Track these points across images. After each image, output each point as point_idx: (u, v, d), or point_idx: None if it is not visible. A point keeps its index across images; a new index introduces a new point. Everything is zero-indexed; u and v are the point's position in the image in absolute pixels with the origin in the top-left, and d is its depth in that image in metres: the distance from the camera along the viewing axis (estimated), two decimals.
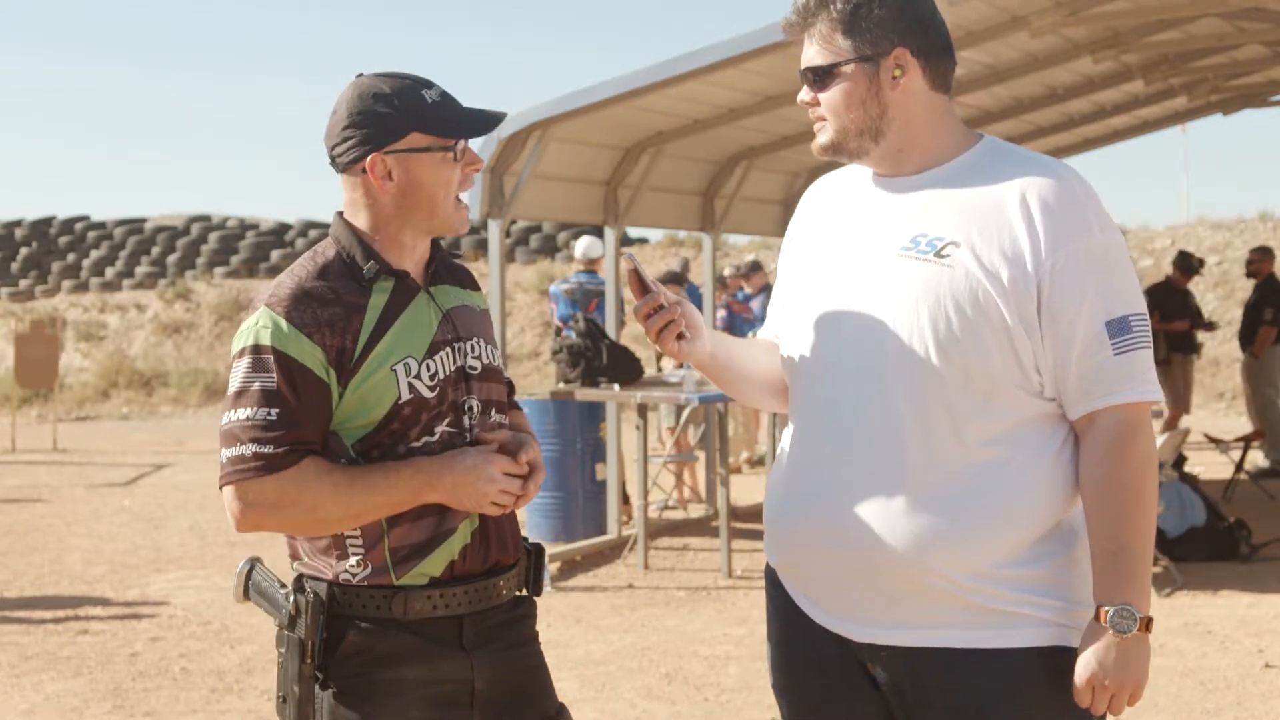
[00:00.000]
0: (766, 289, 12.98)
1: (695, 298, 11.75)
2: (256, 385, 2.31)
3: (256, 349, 2.33)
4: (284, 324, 2.32)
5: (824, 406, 2.38)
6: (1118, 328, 2.25)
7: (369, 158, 2.37)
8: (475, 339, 2.50)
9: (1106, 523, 2.26)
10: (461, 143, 2.42)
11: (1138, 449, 2.27)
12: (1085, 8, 8.35)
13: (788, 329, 2.50)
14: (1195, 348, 11.85)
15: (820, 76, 2.37)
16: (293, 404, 2.30)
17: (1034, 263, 2.24)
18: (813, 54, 2.38)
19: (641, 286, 2.43)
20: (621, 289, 9.69)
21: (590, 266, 10.78)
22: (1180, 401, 11.81)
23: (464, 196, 2.49)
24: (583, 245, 10.94)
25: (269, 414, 2.30)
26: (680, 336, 2.45)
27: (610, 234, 9.61)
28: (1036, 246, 2.24)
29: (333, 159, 2.43)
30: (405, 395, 2.36)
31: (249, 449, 2.30)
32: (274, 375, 2.31)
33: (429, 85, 2.42)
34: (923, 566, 2.27)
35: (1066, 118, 11.88)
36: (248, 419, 2.30)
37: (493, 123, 2.44)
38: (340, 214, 2.47)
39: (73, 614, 7.27)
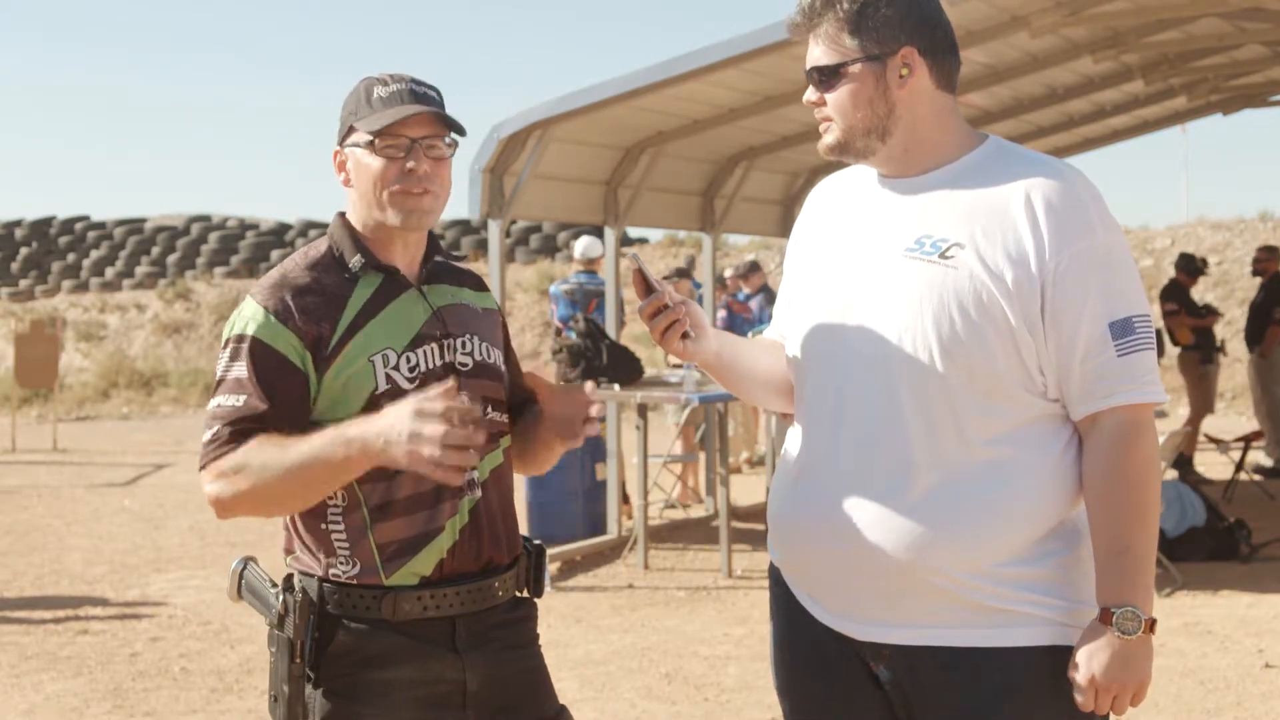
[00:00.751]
0: (765, 289, 12.98)
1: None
2: (231, 374, 2.36)
3: (237, 339, 2.37)
4: (262, 312, 2.36)
5: (828, 406, 2.38)
6: (1121, 329, 2.25)
7: (334, 150, 2.47)
8: (468, 336, 2.48)
9: (1109, 524, 2.26)
10: (394, 140, 2.38)
11: (1140, 450, 2.27)
12: (1085, 8, 8.35)
13: (793, 329, 2.50)
14: (1221, 347, 11.81)
15: (826, 76, 2.37)
16: (262, 390, 2.33)
17: (1038, 264, 2.24)
18: (819, 54, 2.37)
19: (646, 286, 2.43)
20: (622, 289, 9.70)
21: (589, 266, 10.77)
22: (1208, 404, 11.70)
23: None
24: (581, 245, 10.93)
25: (236, 400, 2.34)
26: (685, 336, 2.45)
27: (610, 234, 9.62)
28: (1040, 248, 2.24)
29: None
30: (382, 386, 2.36)
31: (210, 432, 2.34)
32: (247, 363, 2.34)
33: (396, 83, 2.42)
34: (925, 565, 2.27)
35: (1066, 118, 11.88)
36: (218, 405, 2.35)
37: (419, 118, 2.38)
38: (341, 213, 2.50)
39: (73, 614, 7.27)
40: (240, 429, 2.31)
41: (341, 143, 2.46)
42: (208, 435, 2.35)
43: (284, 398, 2.33)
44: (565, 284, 10.83)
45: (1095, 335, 2.25)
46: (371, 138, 2.39)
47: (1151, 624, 2.23)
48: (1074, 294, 2.24)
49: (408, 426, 2.16)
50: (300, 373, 2.35)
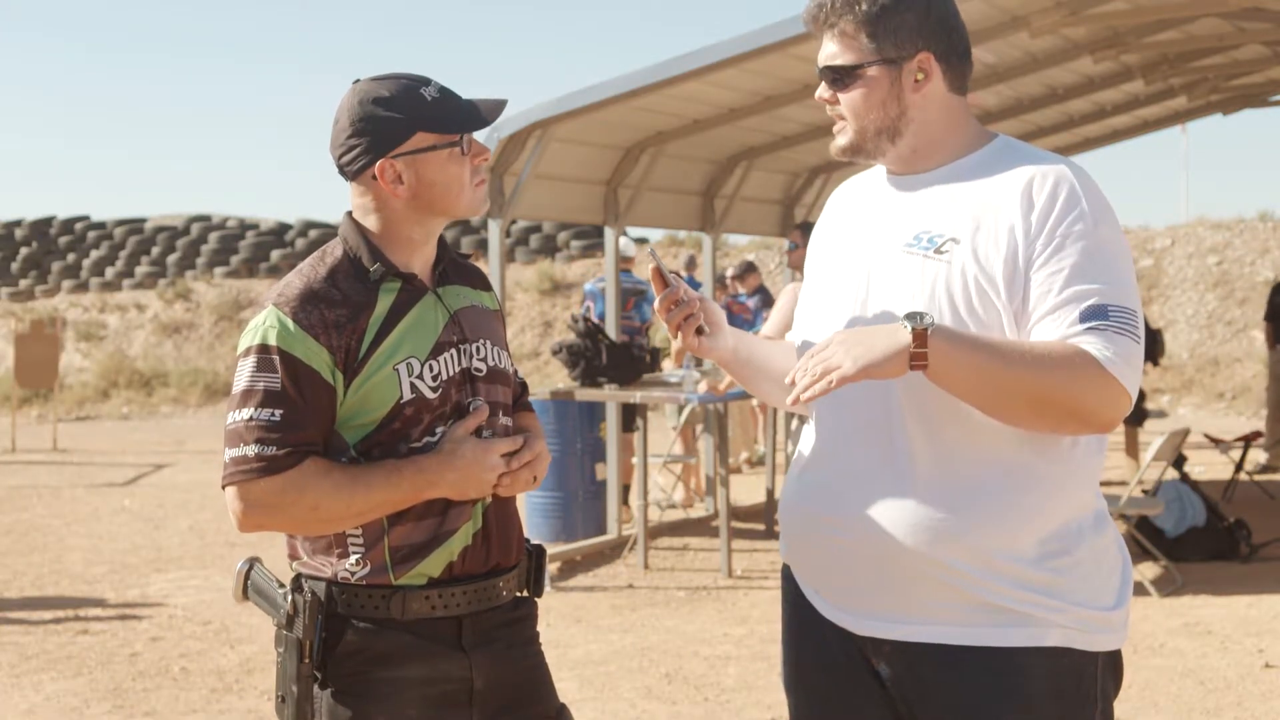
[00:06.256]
0: (761, 290, 13.01)
1: None
2: (261, 385, 2.31)
3: (263, 349, 2.33)
4: (291, 324, 2.32)
5: (832, 401, 2.37)
6: (1092, 313, 2.17)
7: (377, 164, 2.37)
8: (482, 341, 2.49)
9: (1021, 346, 2.16)
10: (467, 136, 2.42)
11: (1096, 378, 2.14)
12: (1085, 8, 8.35)
13: (803, 325, 2.53)
14: None
15: (841, 76, 2.36)
16: (297, 405, 2.31)
17: (1025, 253, 2.22)
18: (834, 52, 2.36)
19: (662, 281, 2.45)
20: (623, 286, 9.72)
21: (624, 266, 10.74)
22: None
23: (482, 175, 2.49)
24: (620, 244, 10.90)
25: (272, 415, 2.30)
26: (700, 331, 2.46)
27: (610, 234, 9.62)
28: (1029, 236, 2.22)
29: (340, 168, 2.42)
30: (407, 395, 2.36)
31: (251, 449, 2.30)
32: (279, 376, 2.31)
33: (426, 83, 2.41)
34: (926, 558, 2.27)
35: (1067, 117, 11.89)
36: (251, 419, 2.31)
37: (494, 111, 2.43)
38: (350, 214, 2.47)
39: (73, 614, 7.27)
40: (284, 447, 2.29)
41: (392, 152, 2.36)
42: (238, 452, 2.30)
43: (317, 412, 2.33)
44: (601, 282, 10.81)
45: (1063, 312, 2.17)
46: (457, 141, 2.38)
47: (924, 336, 2.12)
48: (1050, 271, 2.19)
49: (481, 475, 2.37)
50: (330, 386, 2.33)
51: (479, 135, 2.54)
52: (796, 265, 7.93)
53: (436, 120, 2.38)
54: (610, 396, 8.29)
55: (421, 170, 2.38)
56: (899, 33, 2.32)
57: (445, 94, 2.41)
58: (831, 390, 2.16)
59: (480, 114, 2.42)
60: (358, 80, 2.43)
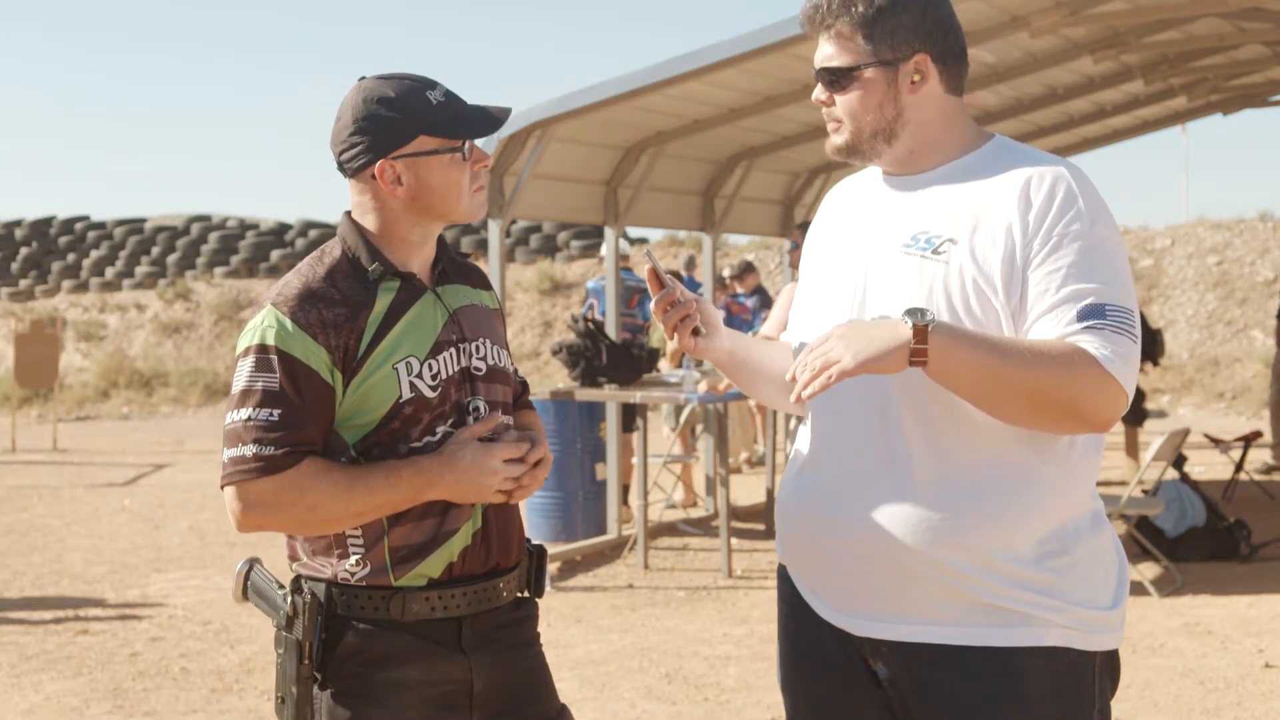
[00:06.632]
0: (759, 290, 13.00)
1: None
2: (260, 385, 2.31)
3: (261, 348, 2.33)
4: (289, 324, 2.32)
5: (830, 402, 2.38)
6: (1089, 312, 2.17)
7: (377, 164, 2.37)
8: (481, 340, 2.49)
9: (1020, 343, 2.17)
10: (469, 142, 2.42)
11: (1095, 377, 2.14)
12: (1085, 8, 8.35)
13: (800, 325, 2.53)
14: None
15: (838, 78, 2.36)
16: (295, 405, 2.31)
17: (1023, 253, 2.22)
18: (831, 53, 2.37)
19: (658, 282, 2.45)
20: (627, 285, 9.73)
21: (625, 264, 10.74)
22: None
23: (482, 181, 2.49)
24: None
25: (271, 414, 2.30)
26: (696, 332, 2.46)
27: (610, 234, 9.63)
28: (1026, 236, 2.22)
29: (341, 165, 2.42)
30: (406, 394, 2.36)
31: (250, 449, 2.30)
32: (277, 375, 2.31)
33: (432, 86, 2.41)
34: (924, 559, 2.27)
35: (1067, 118, 11.89)
36: (249, 419, 2.31)
37: (499, 119, 2.43)
38: (348, 214, 2.47)
39: (73, 614, 7.27)
40: (282, 447, 2.29)
41: (393, 153, 2.37)
42: (236, 452, 2.31)
43: (315, 412, 2.33)
44: (605, 280, 10.82)
45: (1062, 311, 2.18)
46: (459, 147, 2.38)
47: (924, 334, 2.13)
48: (1048, 270, 2.19)
49: (480, 479, 2.36)
50: (329, 386, 2.33)
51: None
52: (797, 265, 7.93)
53: (440, 124, 2.38)
54: (610, 396, 8.29)
55: (421, 173, 2.38)
56: (895, 34, 2.32)
57: (450, 98, 2.41)
58: (831, 385, 2.16)
59: (484, 121, 2.41)
60: (363, 77, 2.43)
